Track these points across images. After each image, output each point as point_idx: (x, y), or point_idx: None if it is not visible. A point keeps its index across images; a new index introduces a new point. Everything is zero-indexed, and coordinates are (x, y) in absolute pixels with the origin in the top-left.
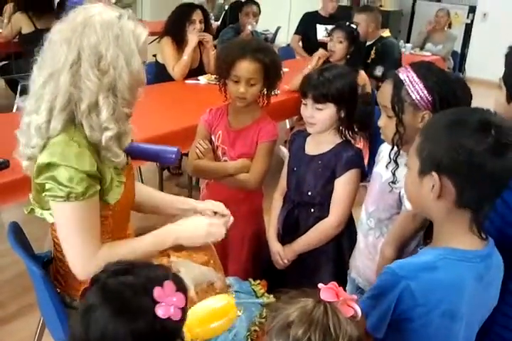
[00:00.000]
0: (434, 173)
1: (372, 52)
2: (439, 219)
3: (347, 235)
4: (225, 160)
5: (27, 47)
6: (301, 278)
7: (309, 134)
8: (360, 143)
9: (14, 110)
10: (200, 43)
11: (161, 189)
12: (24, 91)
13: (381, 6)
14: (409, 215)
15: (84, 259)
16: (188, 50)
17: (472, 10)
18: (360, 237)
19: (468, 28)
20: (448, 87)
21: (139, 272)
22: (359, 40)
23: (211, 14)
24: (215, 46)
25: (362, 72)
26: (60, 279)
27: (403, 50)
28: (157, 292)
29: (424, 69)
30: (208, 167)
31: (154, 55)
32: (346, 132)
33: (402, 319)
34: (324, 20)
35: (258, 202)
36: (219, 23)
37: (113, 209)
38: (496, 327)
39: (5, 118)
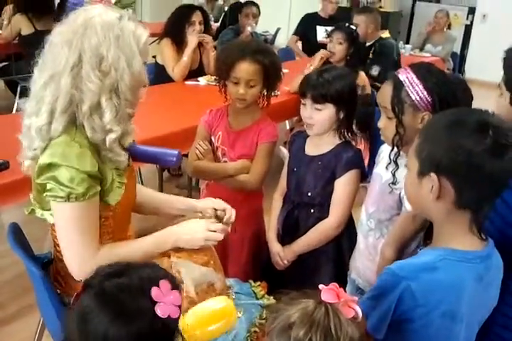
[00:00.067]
0: (432, 174)
1: (371, 52)
2: (438, 220)
3: (347, 236)
4: (225, 161)
5: (27, 48)
6: (301, 278)
7: (309, 135)
8: (361, 144)
9: (14, 111)
10: (200, 44)
11: (161, 190)
12: (24, 93)
13: (381, 7)
14: (409, 216)
15: (81, 259)
16: (188, 51)
17: (472, 11)
18: (360, 238)
19: (468, 29)
20: (448, 88)
21: (132, 273)
22: (358, 41)
23: (211, 15)
24: (214, 47)
25: (362, 73)
26: (60, 280)
27: (403, 51)
28: (155, 292)
29: (423, 71)
30: (208, 168)
31: (154, 56)
32: (345, 133)
33: (402, 319)
34: (324, 22)
35: (258, 203)
36: (219, 24)
37: (114, 210)
38: (495, 327)
39: (4, 119)
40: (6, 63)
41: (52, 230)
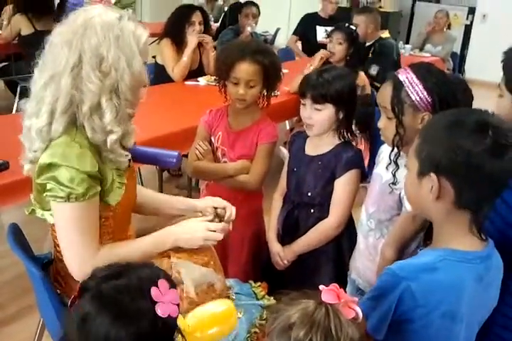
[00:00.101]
0: (432, 174)
1: (370, 52)
2: (438, 220)
3: (347, 236)
4: (225, 162)
5: (26, 48)
6: (301, 278)
7: (309, 135)
8: (361, 145)
9: (14, 111)
10: (200, 45)
11: (161, 190)
12: (24, 93)
13: (380, 7)
14: (409, 216)
15: (81, 260)
16: (188, 51)
17: (472, 11)
18: (360, 238)
19: (468, 30)
20: (448, 88)
21: (130, 274)
22: (358, 42)
23: (211, 16)
24: (214, 47)
25: (361, 73)
26: (60, 280)
27: (402, 51)
28: (154, 292)
29: (423, 71)
30: (208, 168)
31: (154, 57)
32: (345, 133)
33: (402, 320)
34: (324, 22)
35: (258, 203)
36: (218, 24)
37: (114, 210)
38: (495, 327)
39: (4, 119)
40: (5, 63)
41: (52, 230)
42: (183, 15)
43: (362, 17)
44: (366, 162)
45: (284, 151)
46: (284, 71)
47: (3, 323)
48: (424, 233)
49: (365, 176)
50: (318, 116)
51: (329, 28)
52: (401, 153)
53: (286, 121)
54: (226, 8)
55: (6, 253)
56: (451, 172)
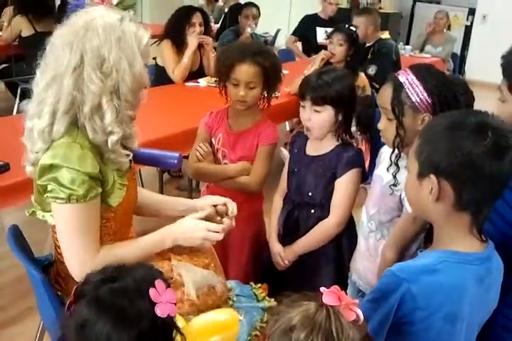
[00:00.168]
0: (432, 176)
1: (370, 52)
2: (438, 222)
3: (347, 236)
4: (225, 163)
5: (27, 50)
6: (302, 280)
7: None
8: (362, 146)
9: (14, 113)
10: (200, 46)
11: (161, 191)
12: (24, 95)
13: (380, 8)
14: (409, 218)
15: (82, 261)
16: (188, 52)
17: (472, 12)
18: (361, 240)
19: (468, 30)
20: (448, 89)
21: (125, 276)
22: (358, 43)
23: (211, 17)
24: (214, 49)
25: (362, 74)
26: (60, 282)
27: (403, 52)
28: (152, 293)
29: (423, 72)
30: (208, 170)
31: (154, 58)
32: (344, 135)
33: (403, 322)
34: (324, 23)
35: (258, 205)
36: (219, 25)
37: (115, 211)
38: (496, 328)
39: (5, 121)
40: (6, 65)
41: (53, 232)
42: (183, 17)
43: (361, 18)
44: (367, 163)
45: (285, 152)
46: (285, 72)
47: (3, 325)
48: (424, 234)
49: (365, 177)
50: (317, 118)
51: (329, 29)
52: (401, 154)
53: (287, 122)
54: (226, 10)
55: (6, 255)
56: (450, 173)
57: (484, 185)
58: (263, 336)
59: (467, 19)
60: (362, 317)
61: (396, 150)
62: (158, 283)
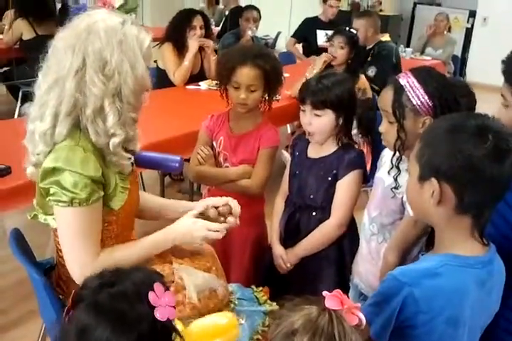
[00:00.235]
0: (433, 179)
1: (370, 55)
2: (440, 225)
3: (348, 238)
4: (227, 166)
5: (28, 53)
6: (303, 283)
7: None
8: (364, 148)
9: (16, 116)
10: (201, 49)
11: (163, 195)
12: (25, 98)
13: (381, 10)
14: (411, 221)
15: (83, 263)
16: (189, 55)
17: (472, 14)
18: (362, 243)
19: (469, 33)
20: (449, 92)
21: (124, 281)
22: (359, 45)
23: (212, 20)
24: (215, 51)
25: (362, 77)
26: (62, 285)
27: (403, 54)
28: (152, 297)
29: (424, 75)
30: (210, 173)
31: (155, 61)
32: (344, 139)
33: (405, 326)
34: (324, 26)
35: (260, 208)
36: (219, 28)
37: (117, 214)
38: (498, 332)
39: (6, 124)
40: (7, 68)
41: (54, 235)
42: (184, 20)
43: (361, 21)
44: (368, 166)
45: (286, 155)
46: (285, 75)
47: (5, 329)
48: (426, 238)
49: (366, 178)
50: (318, 122)
51: (330, 32)
52: (402, 157)
53: (288, 125)
54: (227, 12)
55: (8, 258)
56: (451, 176)
57: (485, 188)
58: (265, 340)
59: (468, 21)
60: (364, 321)
61: (397, 153)
62: (157, 286)
